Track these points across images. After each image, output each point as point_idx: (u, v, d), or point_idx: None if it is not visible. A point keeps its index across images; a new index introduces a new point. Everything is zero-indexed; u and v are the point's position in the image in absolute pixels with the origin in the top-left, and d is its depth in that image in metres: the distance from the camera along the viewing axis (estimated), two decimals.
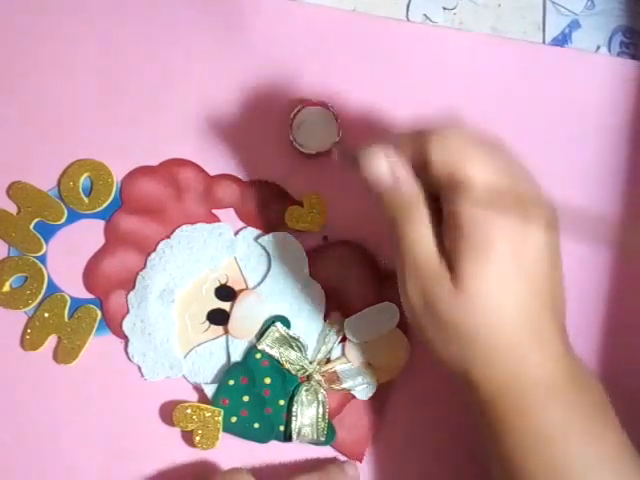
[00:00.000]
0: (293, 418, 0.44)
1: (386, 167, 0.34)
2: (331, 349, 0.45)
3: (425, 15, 0.49)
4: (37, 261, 0.46)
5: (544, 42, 0.49)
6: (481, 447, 0.38)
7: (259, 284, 0.46)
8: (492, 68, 0.48)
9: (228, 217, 0.47)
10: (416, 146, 0.34)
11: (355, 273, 0.46)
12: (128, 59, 0.48)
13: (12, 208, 0.46)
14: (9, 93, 0.47)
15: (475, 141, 0.35)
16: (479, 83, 0.48)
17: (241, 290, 0.45)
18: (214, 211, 0.47)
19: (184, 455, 0.45)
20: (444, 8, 0.49)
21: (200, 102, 0.48)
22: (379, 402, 0.45)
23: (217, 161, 0.47)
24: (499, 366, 0.35)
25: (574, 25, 0.50)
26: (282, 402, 0.44)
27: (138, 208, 0.46)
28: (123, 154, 0.47)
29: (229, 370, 0.45)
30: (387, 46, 0.48)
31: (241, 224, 0.47)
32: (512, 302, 0.34)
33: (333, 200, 0.47)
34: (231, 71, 0.48)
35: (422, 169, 0.35)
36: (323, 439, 0.44)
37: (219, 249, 0.46)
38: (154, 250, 0.46)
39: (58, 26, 0.48)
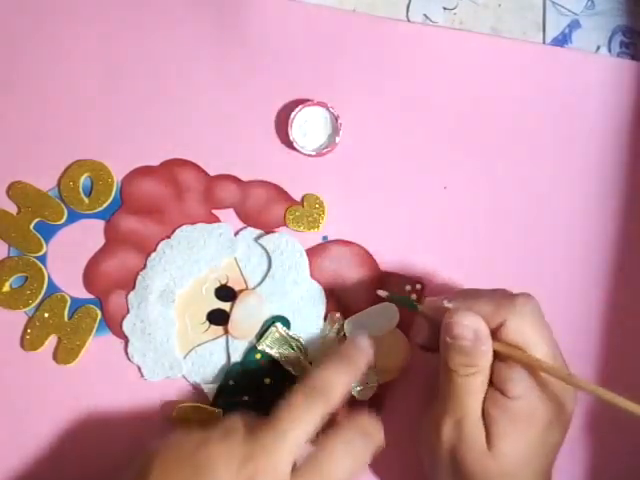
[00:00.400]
0: None
1: (471, 334, 0.37)
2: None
3: (425, 15, 0.49)
4: (37, 261, 0.46)
5: (544, 42, 0.49)
6: None
7: (259, 284, 0.46)
8: (492, 68, 0.48)
9: (228, 217, 0.47)
10: (492, 313, 0.37)
11: (355, 273, 0.46)
12: (128, 59, 0.48)
13: (12, 208, 0.47)
14: (9, 93, 0.47)
15: (544, 325, 0.38)
16: (479, 83, 0.48)
17: (241, 290, 0.46)
18: (214, 211, 0.47)
19: None
20: (444, 8, 0.49)
21: (200, 102, 0.48)
22: (379, 403, 0.45)
23: (217, 161, 0.47)
24: None
25: (574, 25, 0.49)
26: None
27: (138, 208, 0.46)
28: (123, 154, 0.47)
29: (229, 370, 0.45)
30: (387, 46, 0.48)
31: (241, 224, 0.47)
32: (529, 470, 0.37)
33: (333, 200, 0.47)
34: (231, 71, 0.48)
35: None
36: None
37: (219, 249, 0.46)
38: (154, 250, 0.46)
39: (58, 26, 0.48)
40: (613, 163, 0.48)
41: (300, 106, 0.46)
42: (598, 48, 0.49)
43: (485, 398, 0.37)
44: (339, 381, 0.38)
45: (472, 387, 0.37)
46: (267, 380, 0.44)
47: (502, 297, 0.38)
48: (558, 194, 0.48)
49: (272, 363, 0.45)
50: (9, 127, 0.47)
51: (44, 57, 0.48)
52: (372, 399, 0.45)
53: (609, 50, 0.49)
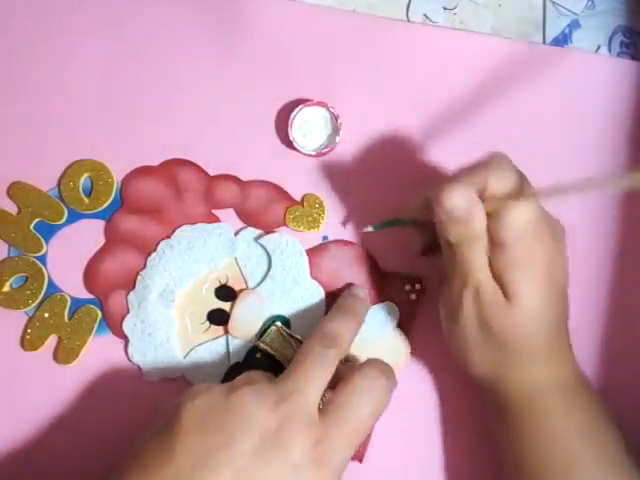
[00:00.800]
0: None
1: (464, 202, 0.38)
2: None
3: (425, 15, 0.49)
4: (37, 261, 0.46)
5: (544, 42, 0.49)
6: (496, 443, 0.43)
7: (259, 284, 0.46)
8: (492, 68, 0.48)
9: (228, 217, 0.47)
10: (476, 180, 0.39)
11: (355, 273, 0.46)
12: (128, 59, 0.48)
13: (12, 208, 0.47)
14: (9, 93, 0.47)
15: (518, 171, 0.40)
16: (479, 83, 0.48)
17: (241, 290, 0.46)
18: (214, 211, 0.47)
19: None
20: (444, 8, 0.49)
21: (200, 102, 0.48)
22: None
23: (217, 161, 0.47)
24: (526, 371, 0.40)
25: (574, 25, 0.49)
26: None
27: (138, 208, 0.46)
28: (123, 154, 0.47)
29: (229, 370, 0.45)
30: (387, 46, 0.48)
31: (241, 224, 0.47)
32: (548, 316, 0.39)
33: (333, 200, 0.47)
34: (231, 71, 0.48)
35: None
36: None
37: (219, 249, 0.46)
38: (154, 250, 0.46)
39: (58, 26, 0.48)
40: (613, 163, 0.48)
41: (300, 106, 0.46)
42: (598, 48, 0.49)
43: (490, 258, 0.39)
44: (346, 332, 0.41)
45: (477, 252, 0.39)
46: None
47: (475, 165, 0.40)
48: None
49: (272, 362, 0.45)
50: (9, 127, 0.47)
51: (44, 57, 0.48)
52: None
53: (609, 50, 0.49)
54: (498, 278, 0.39)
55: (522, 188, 0.39)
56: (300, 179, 0.47)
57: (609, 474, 0.39)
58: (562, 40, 0.49)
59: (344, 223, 0.47)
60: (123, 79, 0.48)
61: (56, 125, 0.47)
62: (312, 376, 0.38)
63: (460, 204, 0.38)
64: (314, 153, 0.47)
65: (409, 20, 0.49)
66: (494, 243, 0.39)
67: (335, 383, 0.38)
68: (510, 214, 0.38)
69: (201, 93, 0.48)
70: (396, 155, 0.47)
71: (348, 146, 0.47)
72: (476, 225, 0.38)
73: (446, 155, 0.48)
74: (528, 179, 0.40)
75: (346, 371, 0.39)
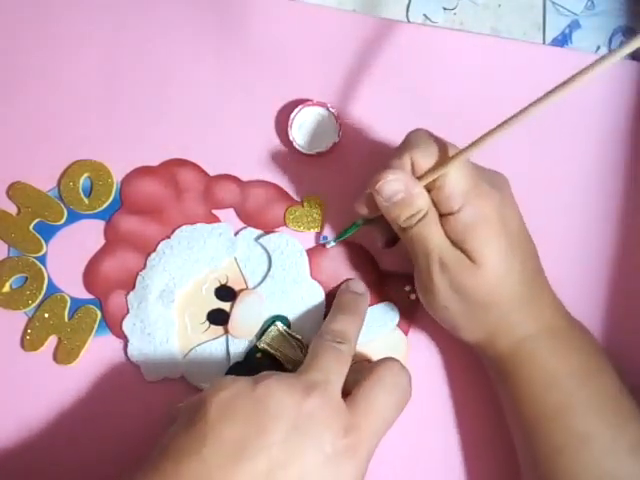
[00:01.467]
0: None
1: (399, 182, 0.39)
2: None
3: (425, 15, 0.49)
4: (37, 261, 0.46)
5: (544, 42, 0.49)
6: (504, 410, 0.43)
7: (259, 284, 0.46)
8: (492, 68, 0.48)
9: (228, 217, 0.47)
10: (404, 162, 0.40)
11: (355, 273, 0.46)
12: (128, 59, 0.48)
13: (12, 208, 0.47)
14: (9, 93, 0.47)
15: (436, 139, 0.41)
16: (479, 83, 0.48)
17: (241, 290, 0.45)
18: (214, 211, 0.47)
19: None
20: (444, 8, 0.49)
21: (200, 102, 0.48)
22: None
23: (217, 161, 0.47)
24: (515, 320, 0.40)
25: (574, 25, 0.50)
26: None
27: (138, 208, 0.46)
28: (123, 154, 0.47)
29: (229, 369, 0.45)
30: (387, 46, 0.48)
31: (241, 224, 0.46)
32: (515, 262, 0.40)
33: (333, 200, 0.47)
34: (231, 71, 0.48)
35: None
36: None
37: (219, 249, 0.46)
38: (154, 250, 0.46)
39: (58, 27, 0.48)
40: (613, 163, 0.48)
41: (300, 106, 0.46)
42: (598, 48, 0.49)
43: (443, 230, 0.40)
44: (351, 329, 0.42)
45: (431, 228, 0.40)
46: None
47: (399, 148, 0.41)
48: (558, 193, 0.48)
49: (272, 362, 0.44)
50: (9, 127, 0.47)
51: (44, 58, 0.48)
52: None
53: (609, 50, 0.49)
54: (459, 245, 0.39)
55: (446, 154, 0.40)
56: (300, 179, 0.47)
57: (607, 413, 0.39)
58: (562, 40, 0.49)
59: (322, 243, 0.47)
60: (123, 79, 0.48)
61: (56, 125, 0.47)
62: (333, 368, 0.38)
63: (397, 187, 0.39)
64: (314, 153, 0.47)
65: (409, 20, 0.49)
66: (443, 214, 0.40)
67: (345, 385, 0.39)
68: (447, 183, 0.39)
69: (201, 93, 0.48)
70: None
71: (348, 146, 0.47)
72: (419, 202, 0.39)
73: None
74: (450, 142, 0.41)
75: (361, 368, 0.40)
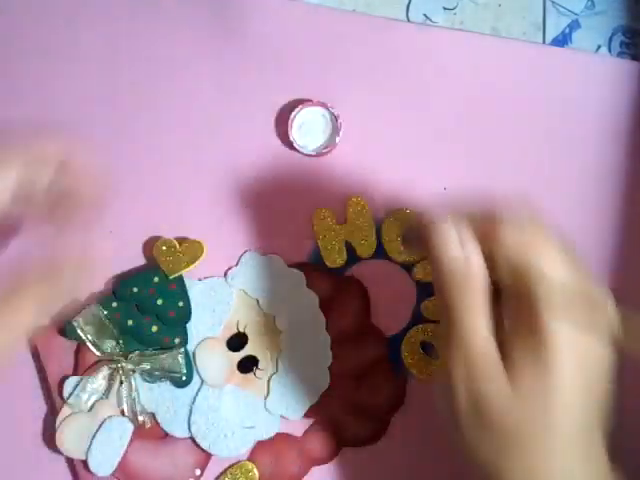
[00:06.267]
0: None
1: (459, 246, 0.32)
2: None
3: (425, 15, 0.49)
4: None
5: (544, 42, 0.49)
6: None
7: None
8: (492, 68, 0.48)
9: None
10: (487, 230, 0.33)
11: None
12: (126, 59, 0.48)
13: None
14: (9, 94, 0.47)
15: (550, 236, 0.33)
16: (479, 83, 0.48)
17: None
18: None
19: None
20: (444, 8, 0.49)
21: (200, 102, 0.48)
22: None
23: (217, 161, 0.47)
24: (540, 464, 0.32)
25: (574, 25, 0.49)
26: None
27: None
28: (122, 155, 0.47)
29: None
30: (387, 46, 0.48)
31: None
32: (569, 418, 0.32)
33: (334, 200, 0.47)
34: (231, 71, 0.48)
35: (487, 256, 0.33)
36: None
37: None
38: None
39: (58, 26, 0.48)
40: (613, 163, 0.48)
41: (300, 106, 0.46)
42: (598, 48, 0.49)
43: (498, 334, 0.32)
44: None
45: (471, 323, 0.32)
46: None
47: (494, 215, 0.33)
48: (557, 194, 0.48)
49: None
50: (9, 126, 0.47)
51: (44, 58, 0.48)
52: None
53: (609, 50, 0.49)
54: (502, 345, 0.32)
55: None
56: (300, 179, 0.47)
57: None
58: (562, 40, 0.49)
59: None
60: (122, 79, 0.48)
61: (56, 125, 0.47)
62: None
63: (457, 256, 0.32)
64: (314, 153, 0.47)
65: (409, 20, 0.49)
66: (502, 309, 0.33)
67: None
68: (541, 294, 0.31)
69: (201, 93, 0.48)
70: (396, 155, 0.47)
71: (348, 146, 0.47)
72: (474, 274, 0.32)
73: (446, 155, 0.47)
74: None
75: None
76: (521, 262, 0.32)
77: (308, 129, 0.47)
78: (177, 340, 0.45)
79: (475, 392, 0.32)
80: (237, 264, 0.46)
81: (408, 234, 0.38)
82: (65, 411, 0.44)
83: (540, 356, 0.31)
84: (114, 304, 0.45)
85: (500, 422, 0.32)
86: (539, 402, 0.31)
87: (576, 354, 0.32)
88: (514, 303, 0.32)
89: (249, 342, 0.45)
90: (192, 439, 0.44)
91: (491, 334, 0.32)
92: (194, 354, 0.45)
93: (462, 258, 0.32)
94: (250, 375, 0.45)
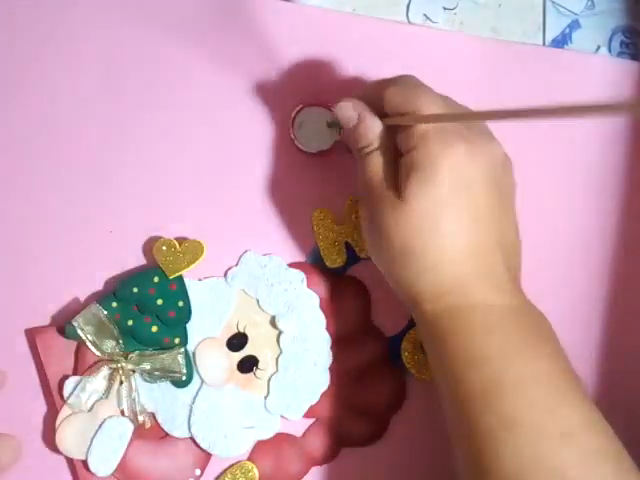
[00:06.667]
0: None
1: (352, 109, 0.40)
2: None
3: (425, 15, 0.49)
4: None
5: (544, 42, 0.49)
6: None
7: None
8: (492, 68, 0.48)
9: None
10: (377, 94, 0.40)
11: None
12: (126, 61, 0.48)
13: None
14: (9, 94, 0.47)
15: (427, 87, 0.40)
16: (479, 83, 0.48)
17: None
18: None
19: None
20: (444, 8, 0.49)
21: (200, 102, 0.48)
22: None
23: (217, 161, 0.47)
24: (444, 291, 0.37)
25: (574, 25, 0.50)
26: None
27: None
28: (122, 156, 0.47)
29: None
30: (387, 47, 0.48)
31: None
32: (454, 227, 0.37)
33: (333, 200, 0.47)
34: (231, 72, 0.48)
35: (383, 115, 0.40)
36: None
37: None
38: None
39: (58, 26, 0.48)
40: (613, 163, 0.48)
41: (300, 106, 0.46)
42: (598, 48, 0.49)
43: (394, 170, 0.39)
44: None
45: (373, 160, 0.40)
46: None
47: (379, 81, 0.41)
48: (557, 194, 0.48)
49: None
50: (10, 127, 0.47)
51: (44, 58, 0.48)
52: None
53: (609, 50, 0.49)
54: (397, 183, 0.38)
55: (426, 108, 0.38)
56: (300, 179, 0.47)
57: (539, 397, 0.36)
58: (562, 40, 0.49)
59: None
60: (122, 81, 0.48)
61: (56, 124, 0.47)
62: None
63: (350, 115, 0.40)
64: (315, 152, 0.47)
65: (409, 20, 0.49)
66: (401, 154, 0.39)
67: None
68: (411, 128, 0.38)
69: (200, 94, 0.48)
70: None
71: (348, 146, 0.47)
72: (369, 135, 0.40)
73: None
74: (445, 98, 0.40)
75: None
76: (403, 108, 0.39)
77: (308, 129, 0.47)
78: (177, 340, 0.45)
79: (372, 211, 0.39)
80: (237, 264, 0.46)
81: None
82: (65, 411, 0.44)
83: (425, 174, 0.37)
84: (114, 304, 0.45)
85: (393, 237, 0.37)
86: (423, 214, 0.37)
87: (456, 173, 0.37)
88: (402, 143, 0.39)
89: (249, 342, 0.45)
90: (192, 439, 0.44)
91: (389, 170, 0.39)
92: (194, 354, 0.45)
93: (355, 115, 0.40)
94: (250, 375, 0.45)
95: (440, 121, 0.38)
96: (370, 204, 0.39)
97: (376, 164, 0.40)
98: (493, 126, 0.48)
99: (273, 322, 0.45)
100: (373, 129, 0.40)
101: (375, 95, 0.40)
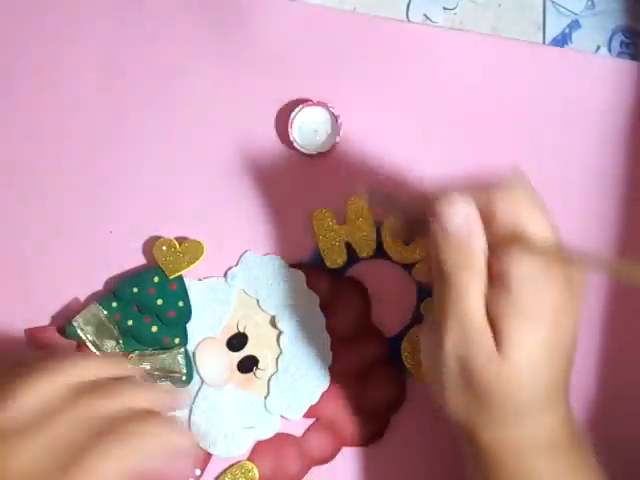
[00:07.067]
0: None
1: (463, 217, 0.34)
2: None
3: (425, 15, 0.49)
4: None
5: (544, 42, 0.49)
6: None
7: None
8: (492, 68, 0.48)
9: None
10: (482, 200, 0.34)
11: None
12: (127, 59, 0.48)
13: None
14: (9, 94, 0.48)
15: (537, 200, 0.35)
16: (479, 83, 0.48)
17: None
18: None
19: None
20: (444, 8, 0.49)
21: (200, 102, 0.48)
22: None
23: (217, 162, 0.47)
24: (511, 428, 0.35)
25: (574, 25, 0.49)
26: None
27: None
28: (122, 156, 0.47)
29: None
30: (387, 46, 0.48)
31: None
32: (546, 372, 0.34)
33: (334, 200, 0.47)
34: (231, 71, 0.48)
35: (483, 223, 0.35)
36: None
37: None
38: None
39: (58, 26, 0.48)
40: (613, 163, 0.48)
41: (300, 106, 0.46)
42: (598, 48, 0.49)
43: (486, 297, 0.34)
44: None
45: (471, 285, 0.34)
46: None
47: (490, 184, 0.35)
48: (558, 194, 0.48)
49: None
50: (9, 127, 0.47)
51: (44, 59, 0.48)
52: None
53: (609, 50, 0.49)
54: (492, 322, 0.33)
55: (537, 226, 0.33)
56: (300, 179, 0.47)
57: None
58: (562, 40, 0.49)
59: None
60: (122, 80, 0.48)
61: (55, 124, 0.47)
62: None
63: (462, 230, 0.33)
64: (314, 153, 0.47)
65: (409, 20, 0.49)
66: (493, 281, 0.34)
67: None
68: (521, 252, 0.33)
69: (201, 93, 0.48)
70: (396, 155, 0.47)
71: (348, 146, 0.47)
72: (478, 252, 0.33)
73: (446, 155, 0.47)
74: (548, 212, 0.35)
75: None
76: (513, 229, 0.34)
77: (308, 129, 0.47)
78: (177, 340, 0.45)
79: (464, 353, 0.34)
80: (237, 264, 0.46)
81: (374, 197, 0.41)
82: None
83: (525, 323, 0.33)
84: (114, 304, 0.45)
85: (484, 385, 0.34)
86: (522, 364, 0.33)
87: (555, 317, 0.34)
88: (502, 270, 0.34)
89: (249, 342, 0.45)
90: None
91: (484, 301, 0.34)
92: (194, 354, 0.45)
93: (465, 226, 0.33)
94: (250, 375, 0.45)
95: (556, 259, 0.33)
96: (462, 338, 0.34)
97: (475, 294, 0.33)
98: (489, 119, 0.48)
99: (273, 322, 0.45)
100: (482, 248, 0.33)
101: (480, 201, 0.34)
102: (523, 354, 0.33)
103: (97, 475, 0.33)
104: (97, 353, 0.44)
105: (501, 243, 0.34)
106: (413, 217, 0.37)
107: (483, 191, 0.34)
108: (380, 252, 0.46)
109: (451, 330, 0.34)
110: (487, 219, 0.34)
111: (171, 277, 0.45)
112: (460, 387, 0.35)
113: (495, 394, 0.34)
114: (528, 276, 0.33)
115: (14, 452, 0.33)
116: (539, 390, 0.34)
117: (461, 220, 0.33)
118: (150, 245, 0.46)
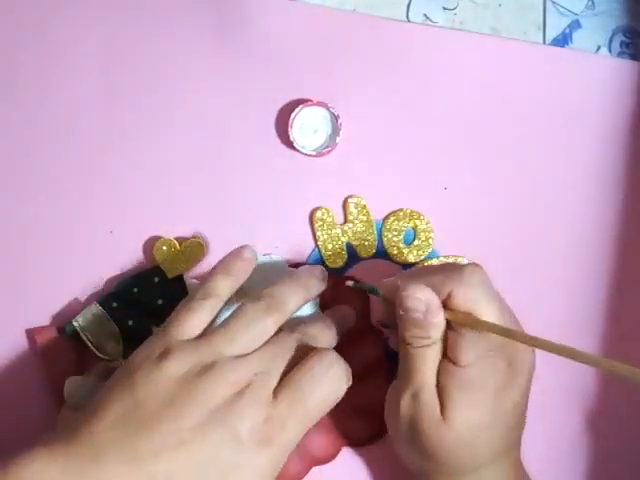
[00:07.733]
0: None
1: (422, 307, 0.38)
2: None
3: (425, 15, 0.49)
4: None
5: (544, 42, 0.49)
6: None
7: None
8: (492, 68, 0.48)
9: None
10: (444, 289, 0.38)
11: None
12: (126, 59, 0.48)
13: None
14: (9, 94, 0.48)
15: (491, 286, 0.39)
16: (479, 83, 0.48)
17: None
18: None
19: None
20: (444, 8, 0.49)
21: (200, 102, 0.48)
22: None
23: (217, 162, 0.47)
24: None
25: (574, 25, 0.49)
26: None
27: None
28: (121, 156, 0.47)
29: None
30: (387, 46, 0.48)
31: None
32: (486, 437, 0.38)
33: (334, 200, 0.47)
34: (231, 71, 0.48)
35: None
36: None
37: None
38: None
39: (58, 26, 0.48)
40: (613, 163, 0.48)
41: (300, 106, 0.46)
42: (598, 48, 0.49)
43: (439, 369, 0.38)
44: (292, 298, 0.40)
45: (426, 358, 0.38)
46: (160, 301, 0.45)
47: (450, 269, 0.39)
48: (558, 194, 0.48)
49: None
50: (9, 127, 0.47)
51: (44, 58, 0.48)
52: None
53: (609, 50, 0.49)
54: (441, 391, 0.38)
55: (489, 310, 0.37)
56: (300, 179, 0.47)
57: None
58: (562, 40, 0.49)
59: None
60: (122, 79, 0.48)
61: (55, 124, 0.47)
62: (274, 354, 0.37)
63: (418, 307, 0.38)
64: (314, 153, 0.47)
65: (409, 20, 0.49)
66: (448, 355, 0.38)
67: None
68: (472, 334, 0.37)
69: (200, 93, 0.48)
70: (396, 155, 0.48)
71: (348, 146, 0.47)
72: (432, 333, 0.38)
73: (446, 154, 0.48)
74: (501, 300, 0.39)
75: (302, 352, 0.38)
76: (466, 314, 0.38)
77: (308, 129, 0.47)
78: None
79: (414, 415, 0.38)
80: None
81: (359, 286, 0.43)
82: (65, 411, 0.44)
83: (467, 396, 0.38)
84: (114, 304, 0.45)
85: (428, 444, 0.38)
86: (462, 431, 0.37)
87: (495, 392, 0.38)
88: (459, 350, 0.38)
89: None
90: None
91: (436, 370, 0.38)
92: None
93: (423, 307, 0.38)
94: None
95: (505, 336, 0.36)
96: (412, 407, 0.38)
97: (429, 366, 0.38)
98: (489, 119, 0.48)
99: None
100: (438, 326, 0.38)
101: (440, 284, 0.38)
102: (464, 422, 0.37)
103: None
104: (97, 354, 0.44)
105: (457, 321, 0.37)
106: (390, 301, 0.40)
107: (445, 276, 0.38)
108: (380, 252, 0.46)
109: (407, 396, 0.39)
110: (446, 301, 0.38)
111: (171, 277, 0.45)
112: (410, 444, 0.39)
113: (439, 454, 0.38)
114: (476, 356, 0.37)
115: None
116: (479, 452, 0.38)
117: (420, 304, 0.38)
118: (150, 245, 0.46)
